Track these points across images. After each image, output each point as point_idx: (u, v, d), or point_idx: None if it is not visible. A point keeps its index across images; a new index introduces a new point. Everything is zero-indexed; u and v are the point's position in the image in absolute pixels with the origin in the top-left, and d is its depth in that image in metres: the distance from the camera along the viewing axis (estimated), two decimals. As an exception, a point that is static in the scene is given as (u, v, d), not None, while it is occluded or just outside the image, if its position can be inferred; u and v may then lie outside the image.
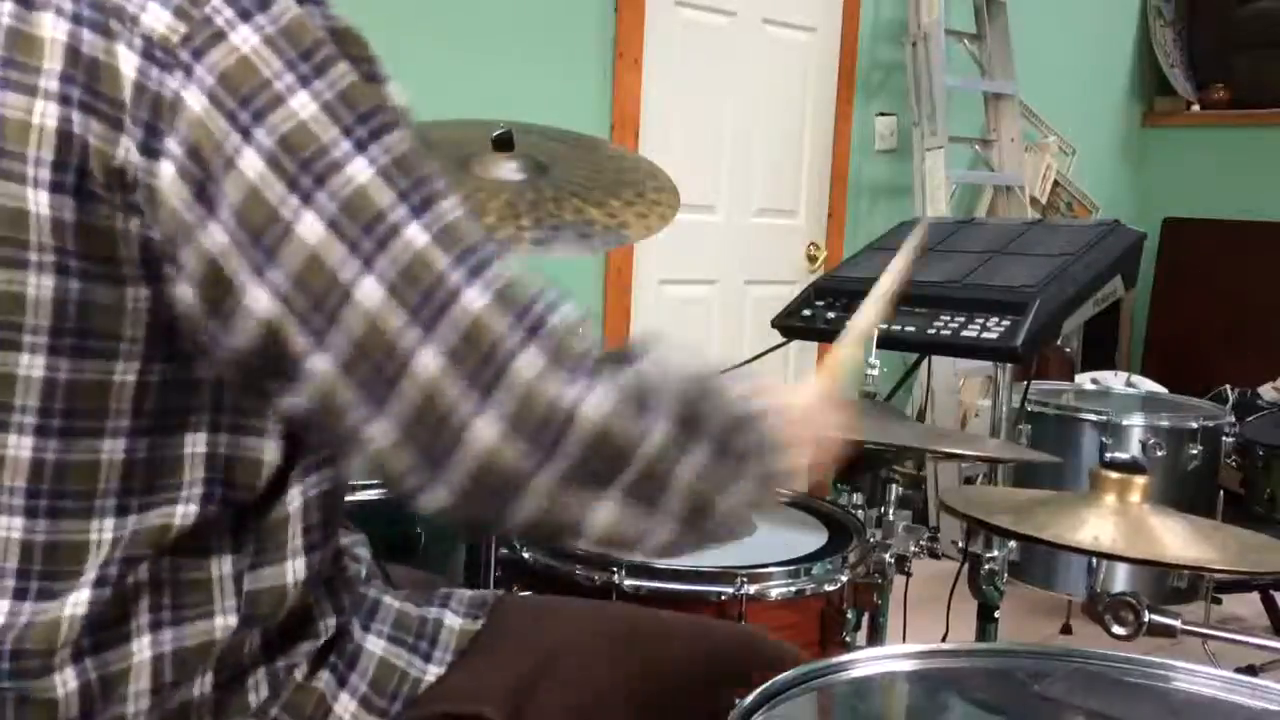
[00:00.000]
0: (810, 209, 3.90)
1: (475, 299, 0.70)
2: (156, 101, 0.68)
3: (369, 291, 0.69)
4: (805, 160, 3.86)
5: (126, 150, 0.68)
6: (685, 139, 3.48)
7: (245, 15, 0.69)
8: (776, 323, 2.27)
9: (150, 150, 0.68)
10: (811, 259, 3.89)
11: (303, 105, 0.69)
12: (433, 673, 0.93)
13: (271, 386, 0.72)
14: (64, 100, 0.68)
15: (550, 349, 0.72)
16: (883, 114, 4.00)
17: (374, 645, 0.92)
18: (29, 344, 0.71)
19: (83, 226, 0.69)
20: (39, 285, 0.70)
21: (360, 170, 0.69)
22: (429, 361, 0.69)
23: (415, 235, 0.70)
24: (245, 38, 0.69)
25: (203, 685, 0.80)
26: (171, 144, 0.68)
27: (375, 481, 0.73)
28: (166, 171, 0.68)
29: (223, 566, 0.79)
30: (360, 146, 0.70)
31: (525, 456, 0.70)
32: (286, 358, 0.70)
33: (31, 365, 0.71)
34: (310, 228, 0.68)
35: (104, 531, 0.74)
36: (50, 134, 0.69)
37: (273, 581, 0.81)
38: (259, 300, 0.68)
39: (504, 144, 1.82)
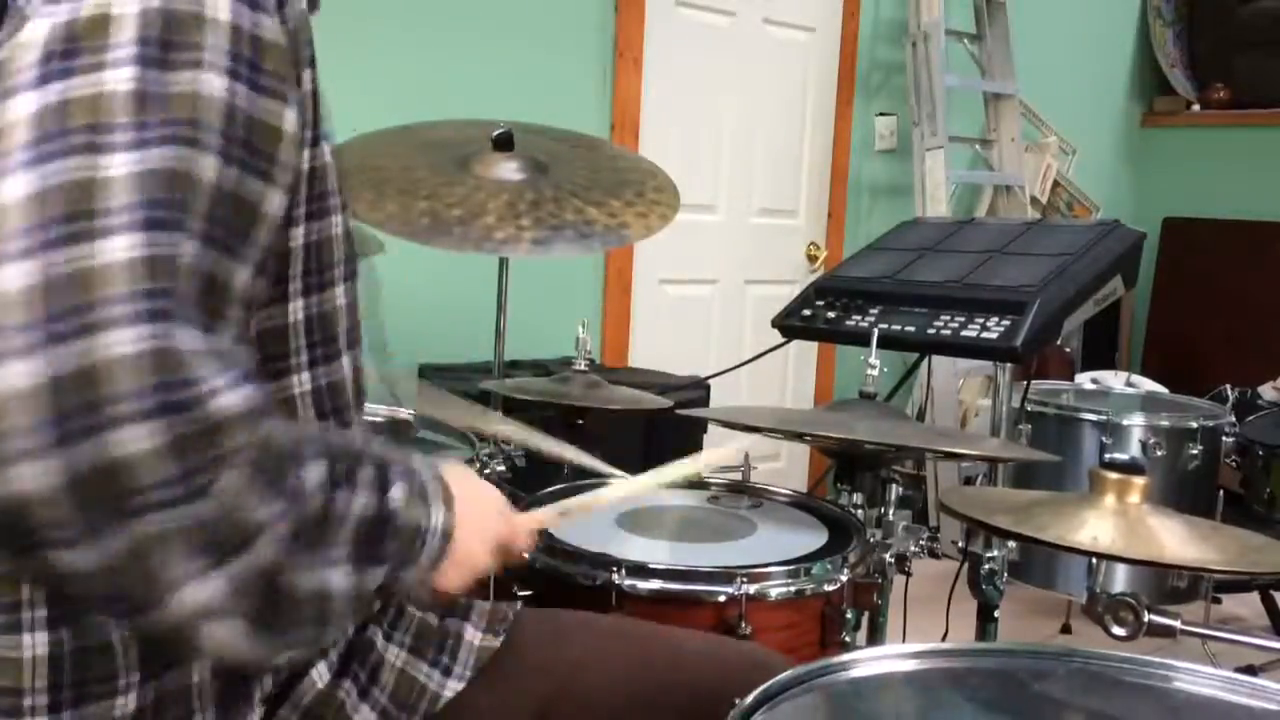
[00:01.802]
0: (810, 209, 3.90)
1: (121, 342, 0.61)
2: (17, 14, 0.68)
3: (16, 274, 0.60)
4: (805, 160, 3.86)
5: None
6: (685, 139, 3.48)
7: None
8: (776, 323, 2.27)
9: None
10: (811, 259, 3.89)
11: (115, 81, 0.66)
12: (451, 688, 0.94)
13: None
14: None
15: (174, 437, 0.61)
16: (883, 114, 4.00)
17: (395, 657, 0.92)
18: None
19: None
20: None
21: (110, 166, 0.64)
22: (21, 373, 0.59)
23: (113, 249, 0.62)
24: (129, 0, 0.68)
25: (202, 670, 0.79)
26: None
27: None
28: None
29: None
30: (139, 145, 0.65)
31: (69, 523, 0.60)
32: None
33: None
34: (17, 186, 0.63)
35: None
36: None
37: None
38: None
39: (504, 144, 1.82)
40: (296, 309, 0.83)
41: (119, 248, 0.62)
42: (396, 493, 0.78)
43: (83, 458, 0.59)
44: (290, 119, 0.73)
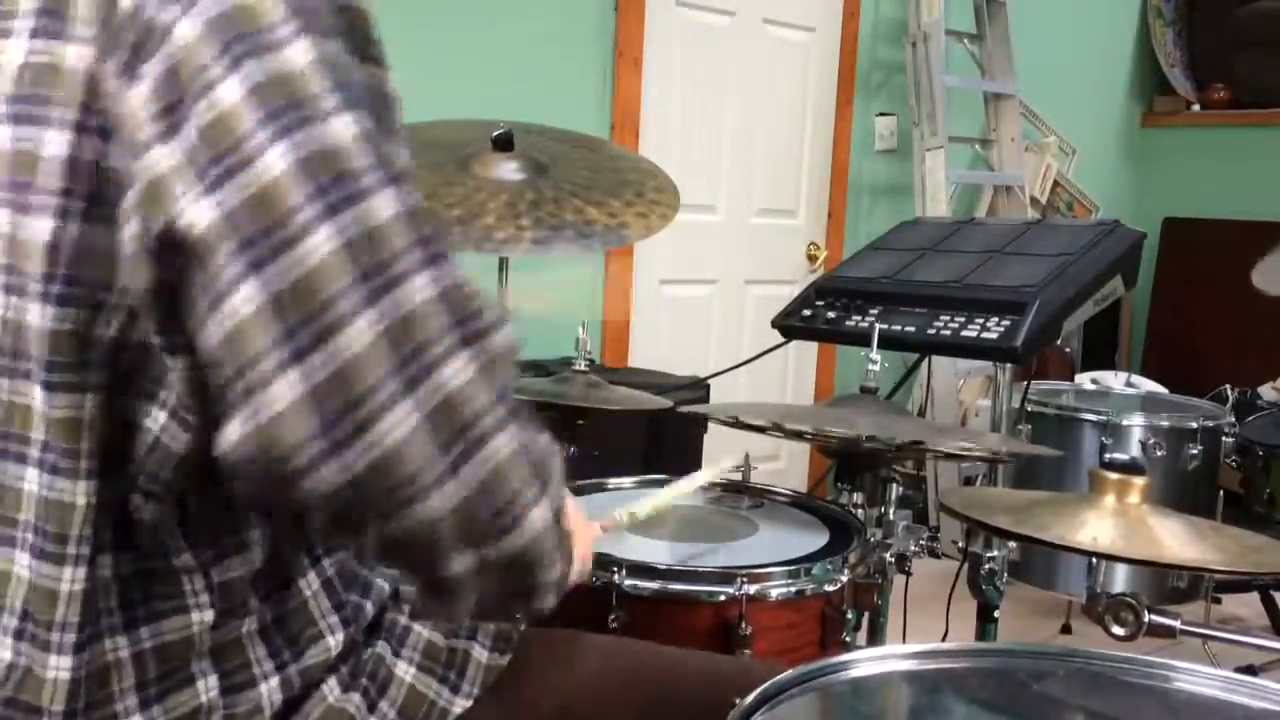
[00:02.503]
0: (810, 209, 3.90)
1: (424, 287, 0.67)
2: (145, 29, 0.67)
3: (323, 239, 0.64)
4: (805, 160, 3.86)
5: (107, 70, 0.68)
6: (685, 139, 3.48)
7: None
8: (776, 323, 2.27)
9: (129, 71, 0.67)
10: (811, 259, 3.89)
11: (298, 53, 0.67)
12: (460, 705, 0.94)
13: (186, 314, 0.68)
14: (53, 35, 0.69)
15: (482, 365, 0.68)
16: (883, 114, 4.00)
17: (404, 672, 0.92)
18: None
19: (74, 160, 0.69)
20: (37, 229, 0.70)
21: (343, 127, 0.67)
22: (363, 329, 0.64)
23: (383, 204, 0.67)
24: None
25: (208, 688, 0.80)
26: (150, 66, 0.66)
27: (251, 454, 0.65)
28: (138, 92, 0.66)
29: (186, 559, 0.78)
30: (347, 106, 0.67)
31: (430, 463, 0.65)
32: (211, 280, 0.65)
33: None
34: (276, 161, 0.64)
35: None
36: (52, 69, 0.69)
37: (241, 570, 0.80)
38: (202, 214, 0.64)
39: (504, 144, 1.82)
40: None
41: (386, 204, 0.67)
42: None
43: (425, 397, 0.65)
44: (389, 80, 0.76)
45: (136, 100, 0.66)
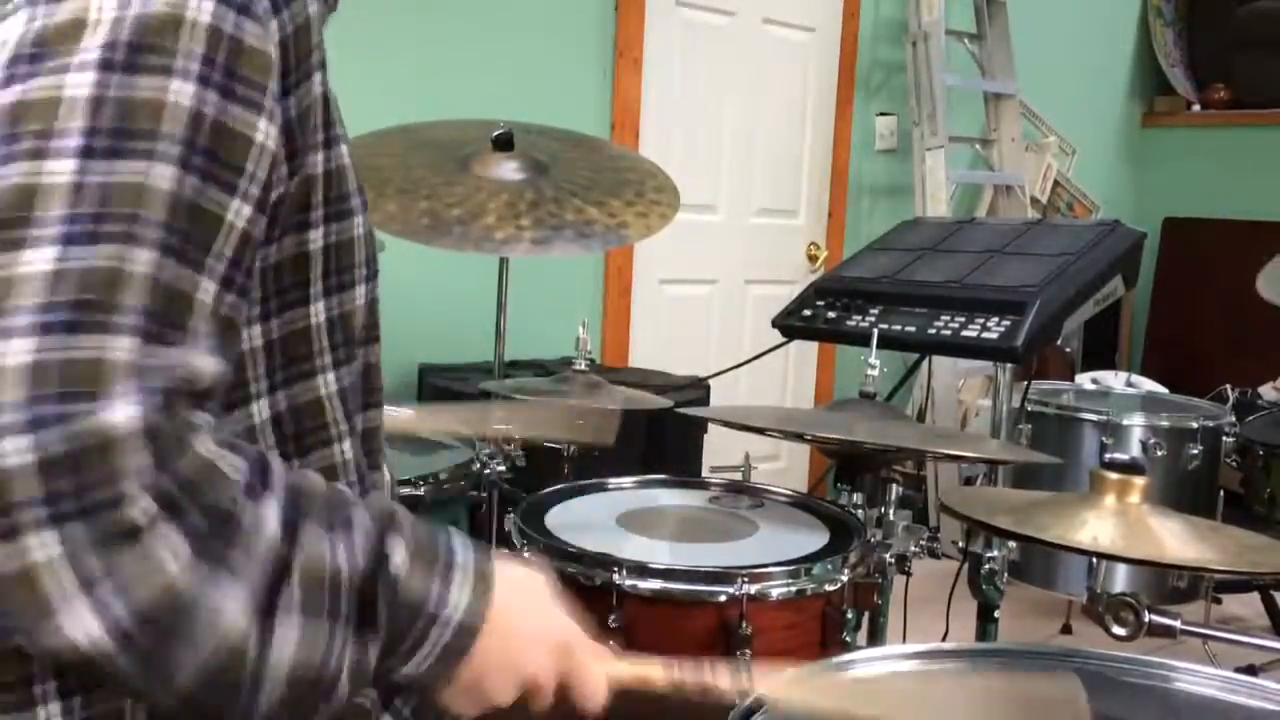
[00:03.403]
0: (810, 209, 3.90)
1: (19, 354, 0.59)
2: None
3: None
4: (805, 160, 3.86)
5: None
6: (685, 139, 3.48)
7: None
8: (776, 323, 2.27)
9: None
10: (811, 259, 3.89)
11: (75, 85, 0.65)
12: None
13: None
14: None
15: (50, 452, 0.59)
16: (883, 114, 4.00)
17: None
18: None
19: None
20: None
21: (55, 172, 0.63)
22: None
23: (33, 259, 0.61)
24: (104, 5, 0.66)
25: None
26: None
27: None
28: None
29: None
30: (85, 153, 0.64)
31: None
32: None
33: None
34: None
35: None
36: None
37: None
38: None
39: (504, 144, 1.82)
40: (318, 311, 0.82)
41: (39, 259, 0.61)
42: (397, 558, 0.71)
43: None
44: (264, 129, 0.71)
45: None
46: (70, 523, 0.59)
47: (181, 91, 0.67)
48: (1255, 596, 3.01)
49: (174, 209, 0.66)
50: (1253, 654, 2.32)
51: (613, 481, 1.69)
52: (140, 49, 0.66)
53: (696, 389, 2.79)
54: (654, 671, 0.85)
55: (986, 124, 4.17)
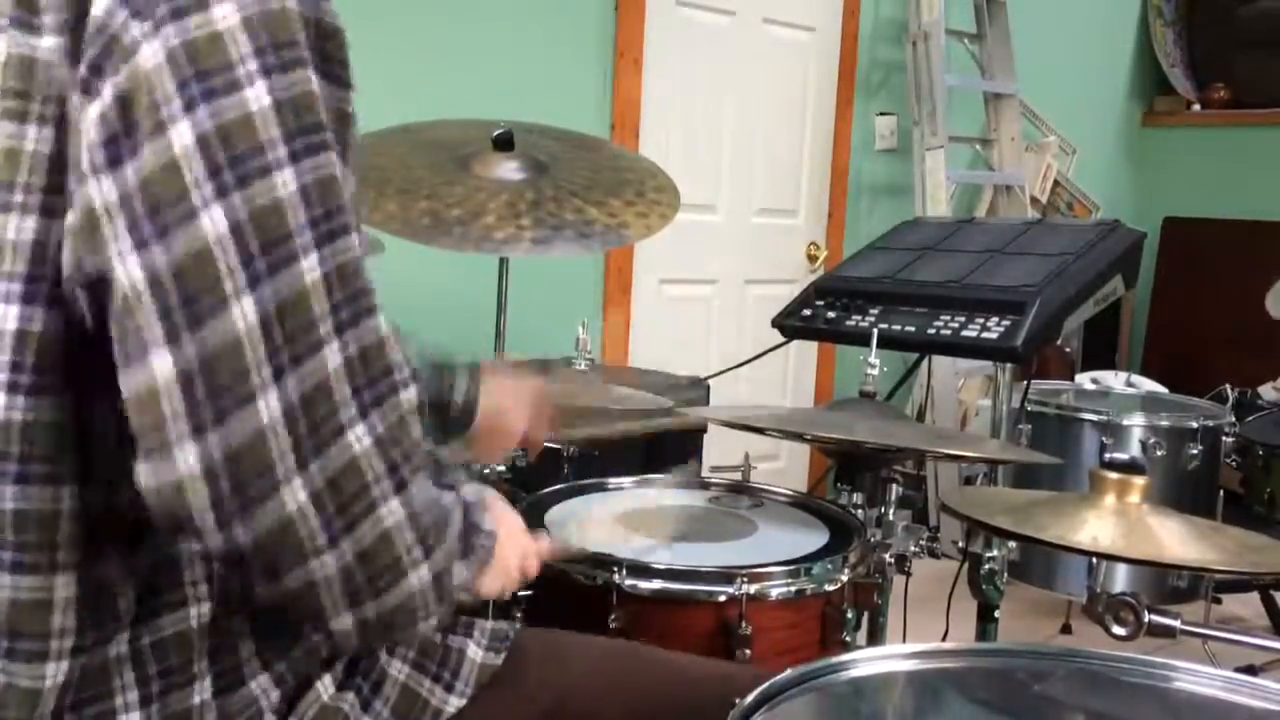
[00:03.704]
0: (810, 209, 3.90)
1: (335, 355, 0.68)
2: (111, 42, 0.67)
3: (242, 311, 0.65)
4: (805, 160, 3.86)
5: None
6: (685, 139, 3.48)
7: None
8: (776, 322, 2.27)
9: (89, 84, 0.67)
10: (811, 259, 3.89)
11: (257, 97, 0.67)
12: (453, 704, 0.94)
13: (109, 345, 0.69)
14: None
15: (384, 428, 0.70)
16: (883, 114, 4.00)
17: (398, 671, 0.92)
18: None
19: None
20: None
21: (285, 183, 0.67)
22: (272, 404, 0.66)
23: (309, 269, 0.68)
24: (227, 13, 0.67)
25: (202, 691, 0.79)
26: (108, 85, 0.66)
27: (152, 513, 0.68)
28: (93, 109, 0.67)
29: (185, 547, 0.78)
30: (294, 158, 0.68)
31: (322, 529, 0.67)
32: (129, 334, 0.66)
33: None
34: (213, 223, 0.65)
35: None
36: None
37: None
38: (130, 271, 0.65)
39: (504, 144, 1.82)
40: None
41: (312, 268, 0.68)
42: (468, 492, 0.88)
43: (321, 469, 0.67)
44: (352, 102, 0.75)
45: (90, 117, 0.67)
46: (406, 490, 0.72)
47: (312, 80, 0.70)
48: (1255, 596, 3.01)
49: (343, 190, 0.71)
50: (1253, 654, 2.32)
51: (612, 481, 1.69)
52: (279, 47, 0.68)
53: (696, 389, 2.78)
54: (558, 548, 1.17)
55: (986, 124, 4.17)
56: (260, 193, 0.66)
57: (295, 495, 0.66)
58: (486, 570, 0.91)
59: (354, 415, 0.69)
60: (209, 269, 0.65)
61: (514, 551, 1.01)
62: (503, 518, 0.99)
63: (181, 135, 0.65)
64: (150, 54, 0.66)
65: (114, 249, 0.66)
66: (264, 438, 0.65)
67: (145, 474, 0.65)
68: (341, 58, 0.73)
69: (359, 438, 0.69)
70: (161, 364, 0.64)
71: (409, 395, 0.73)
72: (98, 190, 0.66)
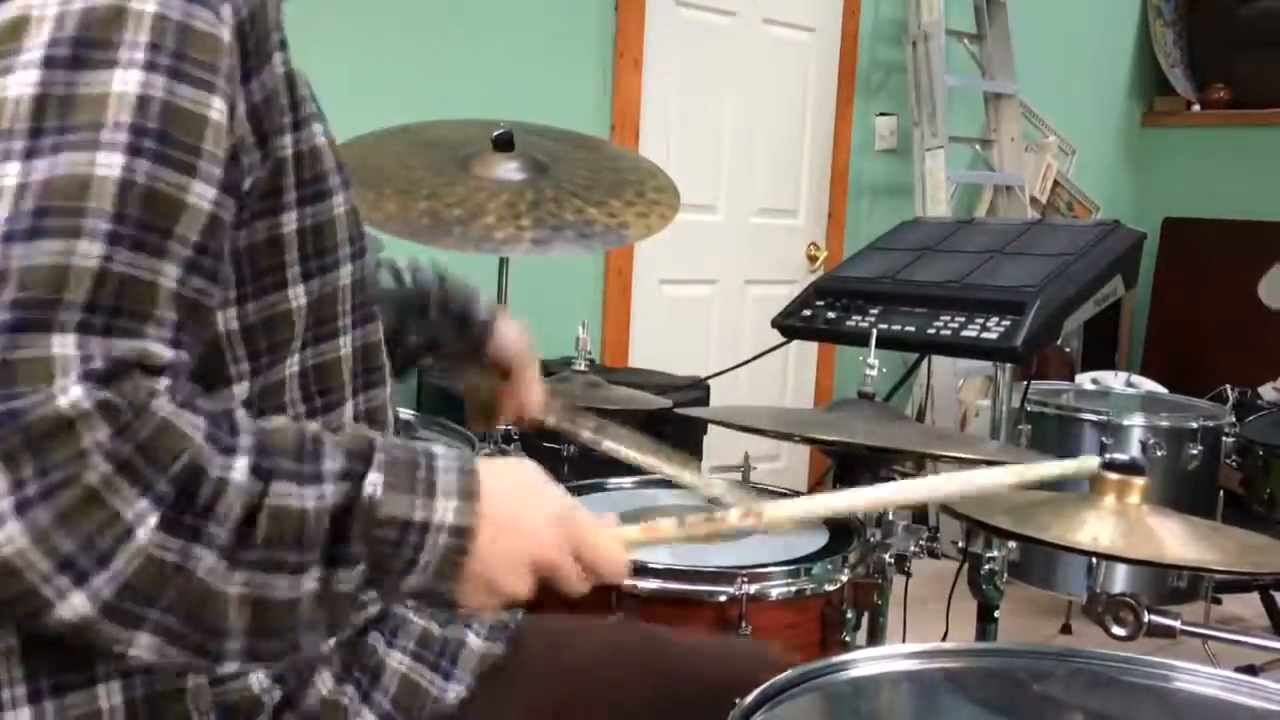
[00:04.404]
0: (810, 209, 3.90)
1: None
2: None
3: None
4: (805, 160, 3.86)
5: None
6: (685, 139, 3.48)
7: None
8: (776, 323, 2.27)
9: None
10: (811, 259, 3.89)
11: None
12: (454, 692, 0.94)
13: None
14: None
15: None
16: (883, 114, 4.00)
17: (398, 662, 0.92)
18: None
19: None
20: None
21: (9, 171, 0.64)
22: None
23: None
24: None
25: (197, 675, 0.79)
26: None
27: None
28: None
29: None
30: (33, 153, 0.65)
31: None
32: None
33: None
34: None
35: None
36: None
37: None
38: None
39: (504, 144, 1.82)
40: (297, 294, 0.82)
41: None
42: (372, 480, 0.71)
43: None
44: (220, 108, 0.70)
45: None
46: (33, 509, 0.60)
47: (127, 80, 0.67)
48: (1255, 596, 3.01)
49: (124, 197, 0.66)
50: (1253, 654, 2.32)
51: (612, 481, 1.69)
52: (84, 43, 0.66)
53: (696, 389, 2.79)
54: (664, 527, 0.88)
55: (986, 124, 4.17)
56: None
57: None
58: (459, 573, 0.74)
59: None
60: None
61: (521, 546, 0.78)
62: (518, 498, 0.79)
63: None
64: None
65: None
66: None
67: None
68: (208, 62, 0.70)
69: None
70: None
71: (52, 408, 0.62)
72: None
